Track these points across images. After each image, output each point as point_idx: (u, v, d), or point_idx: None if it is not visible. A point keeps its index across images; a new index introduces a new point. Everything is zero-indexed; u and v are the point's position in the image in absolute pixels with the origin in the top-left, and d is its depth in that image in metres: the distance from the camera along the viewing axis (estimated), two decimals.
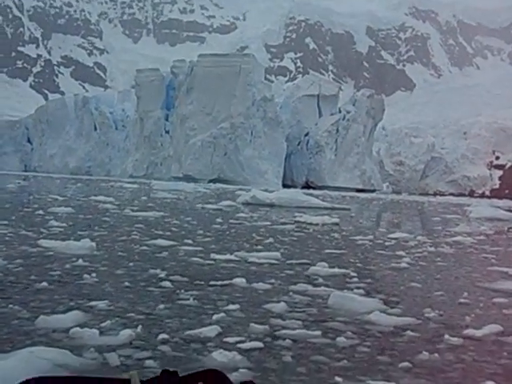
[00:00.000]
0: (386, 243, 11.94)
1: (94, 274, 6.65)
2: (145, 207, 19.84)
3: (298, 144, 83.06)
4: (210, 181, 72.93)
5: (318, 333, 4.69)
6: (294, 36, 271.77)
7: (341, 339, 4.56)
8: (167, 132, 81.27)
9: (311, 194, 51.64)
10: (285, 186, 75.10)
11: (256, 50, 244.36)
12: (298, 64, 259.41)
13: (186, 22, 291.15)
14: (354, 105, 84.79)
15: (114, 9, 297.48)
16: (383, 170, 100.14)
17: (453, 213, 31.36)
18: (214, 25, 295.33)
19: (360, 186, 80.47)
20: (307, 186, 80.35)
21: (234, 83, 75.55)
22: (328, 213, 22.74)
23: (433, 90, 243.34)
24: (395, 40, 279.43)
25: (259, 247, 10.16)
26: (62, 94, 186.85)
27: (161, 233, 11.70)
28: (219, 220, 15.91)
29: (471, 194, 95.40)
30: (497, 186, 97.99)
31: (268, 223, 15.75)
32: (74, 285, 6.16)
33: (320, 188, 77.38)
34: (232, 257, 8.62)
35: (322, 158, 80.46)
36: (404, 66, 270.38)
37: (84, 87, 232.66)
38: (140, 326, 4.52)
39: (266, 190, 33.40)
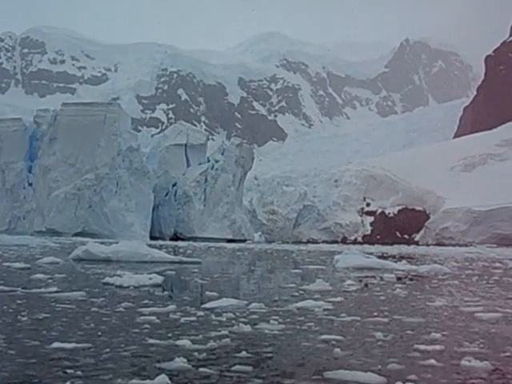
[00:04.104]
0: (185, 319, 7.85)
1: None
2: None
3: (166, 195, 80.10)
4: (75, 234, 68.99)
5: None
6: (165, 87, 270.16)
7: None
8: (30, 184, 76.50)
9: (176, 246, 48.20)
10: (152, 238, 72.99)
11: (128, 101, 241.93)
12: (170, 115, 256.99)
13: (56, 73, 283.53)
14: (222, 154, 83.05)
15: None
16: (256, 219, 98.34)
17: (320, 262, 27.99)
18: (85, 76, 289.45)
19: (230, 236, 77.98)
20: (176, 237, 77.35)
21: (98, 133, 72.00)
22: (171, 268, 19.68)
23: (304, 139, 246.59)
24: (267, 91, 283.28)
25: None
26: None
27: None
28: None
29: (344, 241, 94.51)
30: (368, 232, 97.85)
31: (53, 289, 11.41)
32: None
33: (189, 239, 74.56)
34: None
35: (191, 208, 77.92)
36: (276, 116, 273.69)
37: None
38: None
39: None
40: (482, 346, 6.71)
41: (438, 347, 6.33)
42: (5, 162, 77.70)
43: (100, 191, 70.61)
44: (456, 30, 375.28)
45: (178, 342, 6.14)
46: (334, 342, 6.48)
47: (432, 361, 5.62)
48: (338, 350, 6.09)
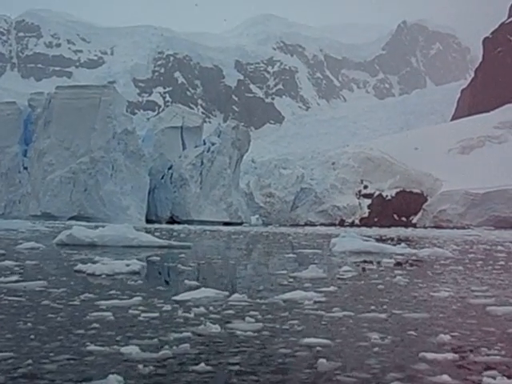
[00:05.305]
0: (145, 316, 6.67)
1: None
2: None
3: (162, 178, 79.39)
4: (71, 218, 68.14)
5: None
6: (162, 70, 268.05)
7: None
8: (25, 168, 76.14)
9: (171, 229, 47.16)
10: (148, 221, 72.79)
11: (124, 85, 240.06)
12: (167, 98, 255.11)
13: (52, 57, 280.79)
14: (218, 136, 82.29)
15: None
16: (253, 202, 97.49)
17: (317, 246, 26.93)
18: (82, 59, 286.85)
19: (227, 219, 77.25)
20: (172, 220, 76.91)
21: (93, 116, 71.26)
22: (157, 253, 18.73)
23: (301, 122, 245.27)
24: (264, 74, 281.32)
25: None
26: None
27: None
28: None
29: (341, 224, 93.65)
30: (366, 215, 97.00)
31: (13, 278, 10.28)
32: None
33: (185, 222, 73.98)
34: None
35: (187, 191, 77.34)
36: (273, 99, 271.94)
37: None
38: None
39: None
40: (503, 352, 5.46)
41: (449, 355, 5.09)
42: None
43: (95, 174, 69.82)
44: (454, 12, 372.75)
45: (124, 349, 4.95)
46: (319, 349, 5.27)
47: (445, 377, 4.36)
48: (323, 360, 4.83)
